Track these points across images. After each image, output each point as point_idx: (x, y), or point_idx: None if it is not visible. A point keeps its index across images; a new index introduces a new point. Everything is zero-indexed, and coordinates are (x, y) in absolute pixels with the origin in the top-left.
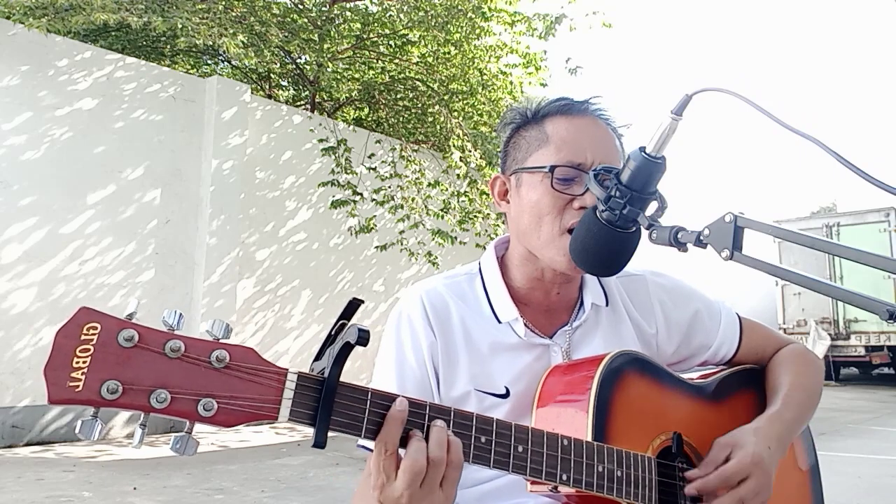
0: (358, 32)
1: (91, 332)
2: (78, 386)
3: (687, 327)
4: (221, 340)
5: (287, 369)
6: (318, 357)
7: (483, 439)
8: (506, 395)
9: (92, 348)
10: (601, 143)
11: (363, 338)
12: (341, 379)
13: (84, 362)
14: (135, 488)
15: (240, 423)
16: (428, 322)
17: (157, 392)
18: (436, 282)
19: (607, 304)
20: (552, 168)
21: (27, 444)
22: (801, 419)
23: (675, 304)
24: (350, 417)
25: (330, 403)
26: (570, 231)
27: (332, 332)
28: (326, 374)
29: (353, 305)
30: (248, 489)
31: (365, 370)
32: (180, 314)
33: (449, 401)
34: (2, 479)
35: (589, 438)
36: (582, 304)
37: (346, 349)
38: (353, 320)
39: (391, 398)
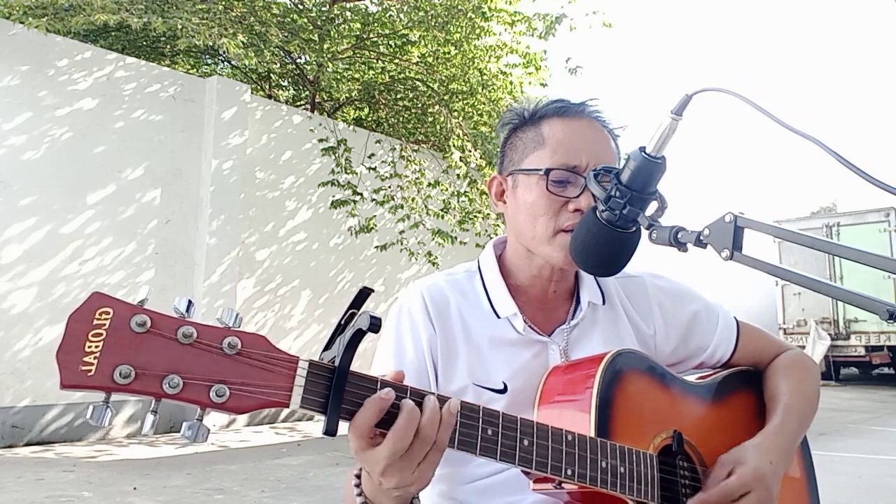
0: (358, 32)
1: (103, 316)
2: (90, 370)
3: (685, 329)
4: (232, 328)
5: (298, 357)
6: (328, 347)
7: (489, 431)
8: (503, 391)
9: (104, 333)
10: (596, 146)
11: (374, 324)
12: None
13: (97, 347)
14: (135, 488)
15: (252, 409)
16: (428, 315)
17: (170, 377)
18: (436, 278)
19: (604, 303)
20: (547, 171)
21: (27, 444)
22: (801, 428)
23: (674, 306)
24: (360, 406)
25: (341, 390)
26: (564, 231)
27: (343, 321)
28: (337, 362)
29: (364, 294)
30: (248, 489)
31: (365, 370)
32: (189, 301)
33: (447, 394)
34: (2, 479)
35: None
36: (579, 302)
37: (358, 336)
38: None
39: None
